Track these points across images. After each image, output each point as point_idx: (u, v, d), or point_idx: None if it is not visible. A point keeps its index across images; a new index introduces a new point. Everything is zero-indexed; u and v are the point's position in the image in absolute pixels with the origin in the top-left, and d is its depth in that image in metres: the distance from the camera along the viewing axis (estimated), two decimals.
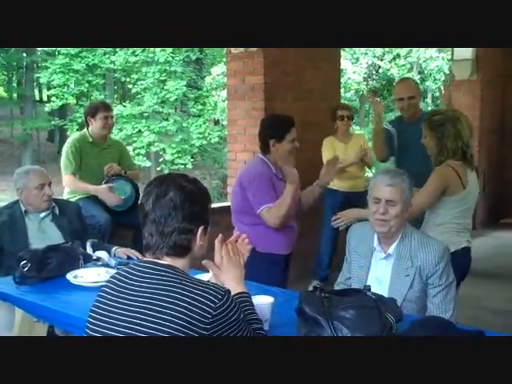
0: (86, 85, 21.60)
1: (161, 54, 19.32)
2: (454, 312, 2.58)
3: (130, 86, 21.54)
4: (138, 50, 19.71)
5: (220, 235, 2.07)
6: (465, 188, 3.21)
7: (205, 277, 2.46)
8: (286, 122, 3.48)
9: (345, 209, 5.78)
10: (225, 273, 2.02)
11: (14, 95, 28.53)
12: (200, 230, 1.81)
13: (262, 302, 2.14)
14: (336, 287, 2.90)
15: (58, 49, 20.89)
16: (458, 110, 3.46)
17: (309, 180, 5.64)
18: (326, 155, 5.30)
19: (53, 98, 21.69)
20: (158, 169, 19.94)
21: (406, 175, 2.65)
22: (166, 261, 1.77)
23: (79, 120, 20.59)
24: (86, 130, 4.47)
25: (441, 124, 3.25)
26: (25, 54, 23.30)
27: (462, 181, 3.19)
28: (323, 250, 5.63)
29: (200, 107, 20.80)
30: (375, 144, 4.69)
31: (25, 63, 24.51)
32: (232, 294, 1.92)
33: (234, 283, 1.99)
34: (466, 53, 8.18)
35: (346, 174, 5.40)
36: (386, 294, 2.51)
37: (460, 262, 3.10)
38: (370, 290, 2.03)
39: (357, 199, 5.12)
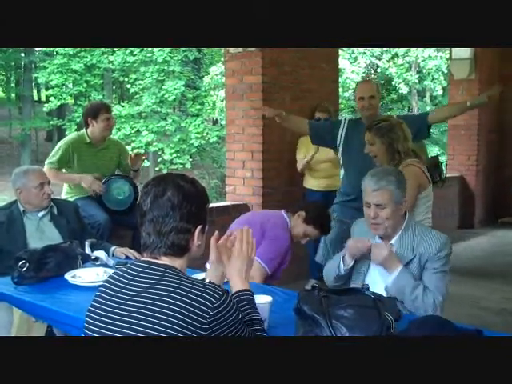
0: (85, 85, 21.59)
1: (159, 53, 19.31)
2: (444, 297, 2.55)
3: (129, 86, 21.52)
4: (137, 50, 19.69)
5: (216, 232, 2.07)
6: (430, 183, 3.35)
7: (199, 276, 2.46)
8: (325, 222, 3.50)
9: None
10: (232, 265, 2.01)
11: (13, 95, 28.54)
12: (198, 229, 1.80)
13: (260, 301, 2.14)
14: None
15: (56, 49, 20.88)
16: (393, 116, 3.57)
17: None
18: (299, 154, 5.37)
19: (51, 98, 21.66)
20: (157, 169, 19.94)
21: (393, 175, 2.64)
22: (164, 260, 1.76)
23: (77, 120, 20.58)
24: (84, 130, 4.47)
25: (389, 130, 3.34)
26: (23, 54, 23.27)
27: (427, 176, 3.32)
28: (311, 251, 5.58)
29: (198, 107, 20.81)
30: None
31: (23, 63, 24.47)
32: (235, 290, 1.93)
33: (238, 278, 1.98)
34: (464, 52, 8.18)
35: (319, 173, 5.39)
36: (388, 284, 2.53)
37: None
38: (368, 289, 2.04)
39: (334, 198, 5.06)
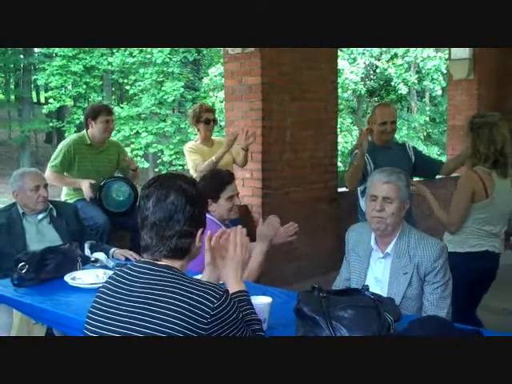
0: (84, 86, 21.58)
1: (158, 55, 19.32)
2: (449, 310, 2.57)
3: (128, 88, 21.56)
4: (136, 51, 19.72)
5: (209, 232, 2.05)
6: (488, 197, 3.22)
7: (198, 277, 2.45)
8: (221, 179, 3.24)
9: None
10: (227, 267, 2.00)
11: (12, 97, 28.51)
12: (199, 232, 1.80)
13: (260, 302, 2.13)
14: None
15: (56, 51, 20.89)
16: (499, 115, 3.40)
17: (305, 179, 5.64)
18: (196, 158, 4.72)
19: (50, 100, 21.67)
20: (156, 170, 19.95)
21: (403, 174, 2.65)
22: (164, 262, 1.76)
23: (77, 122, 20.61)
24: (84, 132, 4.46)
25: (478, 127, 3.26)
26: (22, 56, 23.26)
27: (487, 189, 3.20)
28: None
29: None
30: (355, 176, 4.33)
31: (22, 65, 24.47)
32: (231, 291, 1.90)
33: (233, 280, 1.97)
34: (463, 52, 8.17)
35: None
36: (385, 293, 2.51)
37: (472, 262, 3.29)
38: (368, 289, 2.03)
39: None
